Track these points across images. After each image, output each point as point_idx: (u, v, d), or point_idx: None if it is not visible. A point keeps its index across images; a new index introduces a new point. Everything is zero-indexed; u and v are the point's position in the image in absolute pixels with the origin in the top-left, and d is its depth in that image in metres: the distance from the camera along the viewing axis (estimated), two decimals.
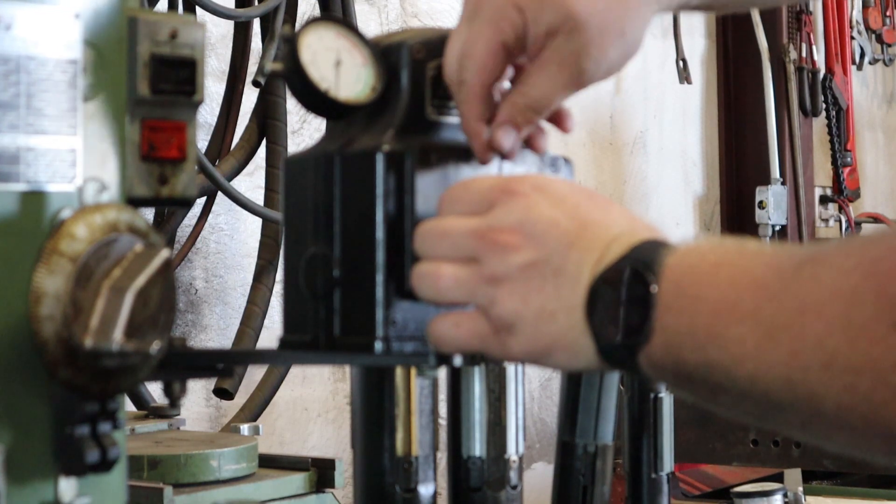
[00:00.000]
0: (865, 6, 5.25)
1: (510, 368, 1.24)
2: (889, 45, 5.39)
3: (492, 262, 1.10)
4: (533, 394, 4.00)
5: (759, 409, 1.03)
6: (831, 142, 5.09)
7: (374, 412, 1.22)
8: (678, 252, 1.06)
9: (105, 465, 1.09)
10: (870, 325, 0.93)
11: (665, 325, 1.04)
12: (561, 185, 1.14)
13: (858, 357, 0.94)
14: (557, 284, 1.08)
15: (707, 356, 1.02)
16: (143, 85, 1.12)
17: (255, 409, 2.90)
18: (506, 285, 1.09)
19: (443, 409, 1.25)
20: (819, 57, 4.99)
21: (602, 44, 1.20)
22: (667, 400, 1.48)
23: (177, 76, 1.14)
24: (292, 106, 2.98)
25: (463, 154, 1.20)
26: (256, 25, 3.02)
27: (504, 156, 1.21)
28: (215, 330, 3.11)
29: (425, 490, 1.22)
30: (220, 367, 1.25)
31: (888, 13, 5.31)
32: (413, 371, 1.20)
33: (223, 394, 2.87)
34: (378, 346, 1.15)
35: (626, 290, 1.05)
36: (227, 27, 3.05)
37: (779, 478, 2.64)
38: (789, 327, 0.98)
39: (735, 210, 4.85)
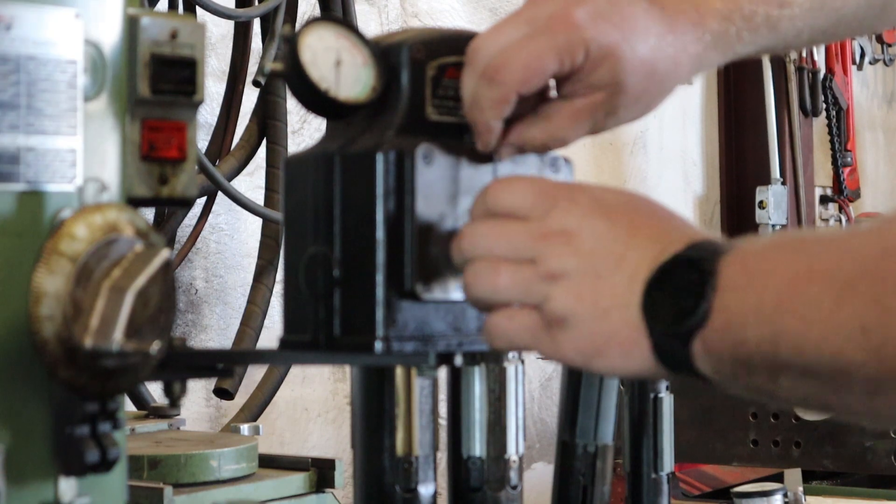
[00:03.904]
0: None
1: (510, 368, 1.24)
2: (889, 45, 5.40)
3: (550, 261, 1.10)
4: (533, 394, 3.99)
5: (822, 384, 1.02)
6: (831, 142, 5.09)
7: (374, 412, 1.22)
8: (739, 241, 1.07)
9: (105, 465, 1.09)
10: None
11: (726, 305, 1.04)
12: (618, 190, 1.15)
13: None
14: (613, 282, 1.09)
15: (774, 327, 1.01)
16: (143, 85, 1.12)
17: (255, 409, 2.90)
18: (562, 282, 1.10)
19: (443, 409, 1.25)
20: (819, 57, 4.99)
21: (629, 110, 1.24)
22: (667, 400, 1.48)
23: (177, 76, 1.14)
24: (292, 106, 2.98)
25: (463, 154, 1.20)
26: (256, 25, 3.02)
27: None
28: (215, 330, 3.11)
29: (425, 490, 1.22)
30: (220, 367, 1.25)
31: None
32: (413, 371, 1.20)
33: (223, 394, 2.87)
34: (378, 346, 1.15)
35: (683, 278, 1.06)
36: (227, 27, 3.05)
37: (779, 478, 2.64)
38: (869, 273, 0.98)
39: (735, 210, 4.85)
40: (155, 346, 1.06)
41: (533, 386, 3.99)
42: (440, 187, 1.18)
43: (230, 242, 3.17)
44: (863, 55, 5.29)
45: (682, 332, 1.06)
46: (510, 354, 1.24)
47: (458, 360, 1.19)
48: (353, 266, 1.16)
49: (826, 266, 1.01)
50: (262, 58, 2.90)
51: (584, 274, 1.09)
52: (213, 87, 3.03)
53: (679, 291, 1.06)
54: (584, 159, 4.22)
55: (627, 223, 1.11)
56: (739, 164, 4.87)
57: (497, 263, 1.12)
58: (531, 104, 1.22)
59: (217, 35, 3.11)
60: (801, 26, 1.30)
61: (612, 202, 1.13)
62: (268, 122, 2.96)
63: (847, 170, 5.15)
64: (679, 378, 1.10)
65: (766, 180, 4.71)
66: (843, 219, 5.14)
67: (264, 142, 2.97)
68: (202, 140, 2.97)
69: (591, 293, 1.09)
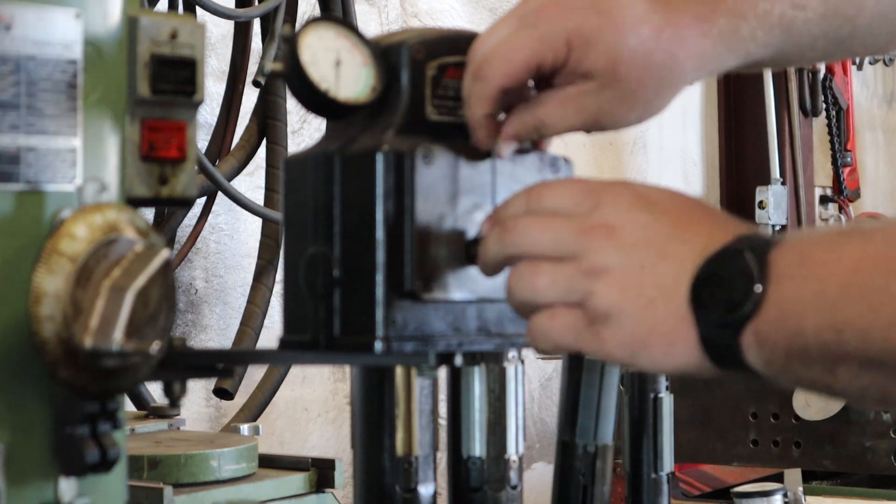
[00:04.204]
0: None
1: (510, 368, 1.24)
2: None
3: (592, 256, 1.09)
4: (533, 394, 4.00)
5: (885, 375, 1.00)
6: (831, 142, 5.09)
7: (374, 412, 1.22)
8: (789, 234, 1.06)
9: (105, 465, 1.09)
10: None
11: (782, 296, 1.03)
12: (661, 188, 1.14)
13: None
14: (658, 273, 1.07)
15: (837, 315, 1.00)
16: (143, 85, 1.12)
17: (255, 409, 2.90)
18: (604, 277, 1.08)
19: (443, 409, 1.25)
20: None
21: (629, 106, 1.22)
22: (667, 400, 1.48)
23: (177, 76, 1.14)
24: (292, 106, 2.98)
25: (463, 154, 1.20)
26: (256, 25, 3.02)
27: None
28: (215, 330, 3.11)
29: (425, 490, 1.22)
30: (220, 367, 1.25)
31: None
32: (413, 371, 1.20)
33: (223, 394, 2.87)
34: (378, 345, 1.15)
35: (734, 268, 1.04)
36: (227, 27, 3.05)
37: (779, 478, 2.64)
38: None
39: (735, 210, 4.82)
40: (155, 346, 1.06)
41: (533, 386, 3.99)
42: (440, 187, 1.18)
43: (230, 242, 3.17)
44: None
45: (733, 323, 1.04)
46: (510, 354, 1.24)
47: (458, 360, 1.19)
48: (353, 266, 1.16)
49: (891, 254, 1.00)
50: (262, 58, 2.90)
51: (628, 267, 1.08)
52: (213, 87, 3.03)
53: (730, 281, 1.04)
54: (584, 159, 4.22)
55: (672, 217, 1.10)
56: (739, 164, 4.87)
57: (537, 263, 1.11)
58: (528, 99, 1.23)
59: (217, 35, 3.11)
60: (817, 33, 1.29)
61: (656, 198, 1.12)
62: (268, 122, 2.96)
63: (847, 170, 5.15)
64: (727, 372, 1.07)
65: (765, 180, 4.71)
66: (843, 219, 5.14)
67: (264, 142, 2.97)
68: (202, 140, 2.97)
69: (635, 285, 1.07)
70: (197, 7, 2.73)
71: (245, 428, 2.29)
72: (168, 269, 1.07)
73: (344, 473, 2.13)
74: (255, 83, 2.87)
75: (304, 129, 3.29)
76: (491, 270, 1.16)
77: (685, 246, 1.08)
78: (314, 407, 3.35)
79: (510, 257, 1.13)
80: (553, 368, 4.00)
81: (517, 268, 1.12)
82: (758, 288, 1.03)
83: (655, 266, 1.07)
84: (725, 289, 1.04)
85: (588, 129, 1.23)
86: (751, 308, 1.03)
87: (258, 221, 3.03)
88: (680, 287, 1.06)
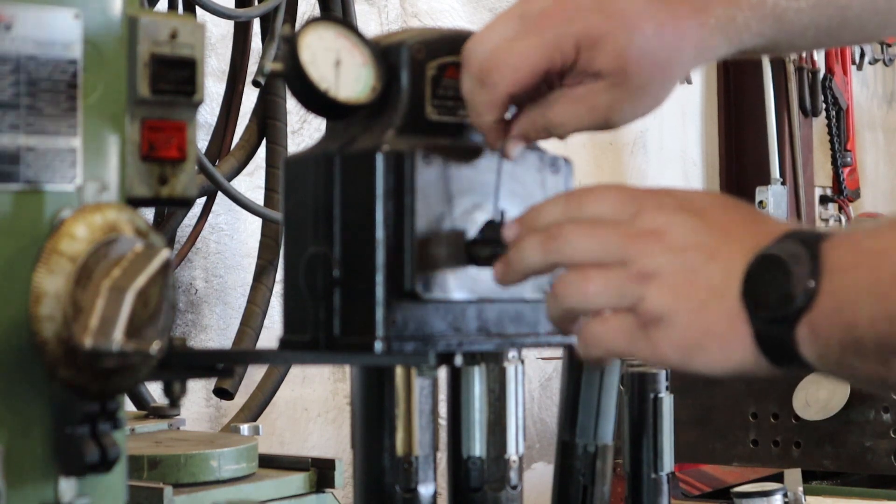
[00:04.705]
0: None
1: (510, 368, 1.24)
2: (889, 46, 5.40)
3: (641, 260, 1.09)
4: (533, 394, 3.99)
5: None
6: (831, 142, 5.09)
7: (374, 412, 1.22)
8: (839, 228, 1.06)
9: (105, 465, 1.09)
10: None
11: (836, 287, 1.02)
12: (705, 192, 1.15)
13: None
14: (709, 273, 1.07)
15: (890, 306, 1.00)
16: (143, 85, 1.12)
17: (255, 409, 2.90)
18: (656, 280, 1.08)
19: (443, 409, 1.25)
20: (819, 57, 4.99)
21: (637, 102, 1.23)
22: (667, 400, 1.48)
23: (177, 76, 1.14)
24: (292, 106, 2.98)
25: (463, 154, 1.21)
26: (256, 25, 3.02)
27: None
28: (215, 330, 3.11)
29: (425, 490, 1.22)
30: (220, 367, 1.25)
31: None
32: (413, 371, 1.20)
33: (223, 394, 2.87)
34: (378, 345, 1.15)
35: (786, 262, 1.04)
36: (227, 27, 3.05)
37: (779, 478, 2.64)
38: None
39: None
40: (155, 346, 1.06)
41: (533, 386, 3.99)
42: (440, 187, 1.18)
43: (230, 242, 3.17)
44: (862, 55, 5.29)
45: (787, 317, 1.04)
46: (510, 354, 1.24)
47: (458, 360, 1.19)
48: (353, 266, 1.16)
49: None
50: (262, 58, 2.90)
51: (678, 270, 1.08)
52: (213, 87, 3.03)
53: (782, 275, 1.04)
54: (584, 159, 4.22)
55: (717, 219, 1.10)
56: (739, 164, 4.87)
57: (586, 270, 1.10)
58: (539, 98, 1.23)
59: (217, 35, 3.11)
60: (808, 22, 1.30)
61: (699, 201, 1.12)
62: (268, 122, 2.96)
63: (847, 170, 5.15)
64: (782, 369, 1.07)
65: (765, 180, 4.71)
66: (843, 219, 5.14)
67: (264, 142, 2.97)
68: (202, 140, 2.97)
69: (687, 287, 1.07)
70: (197, 7, 2.73)
71: (245, 428, 2.29)
72: (168, 269, 1.07)
73: (344, 473, 2.13)
74: (255, 83, 2.87)
75: (304, 129, 3.29)
76: (522, 277, 1.15)
77: (734, 246, 1.08)
78: (314, 407, 3.35)
79: (553, 265, 1.13)
80: (553, 368, 4.00)
81: (565, 275, 1.12)
82: (811, 280, 1.03)
83: (706, 267, 1.07)
84: (778, 284, 1.04)
85: (598, 127, 1.24)
86: (804, 301, 1.03)
87: (258, 221, 3.03)
88: (731, 286, 1.06)
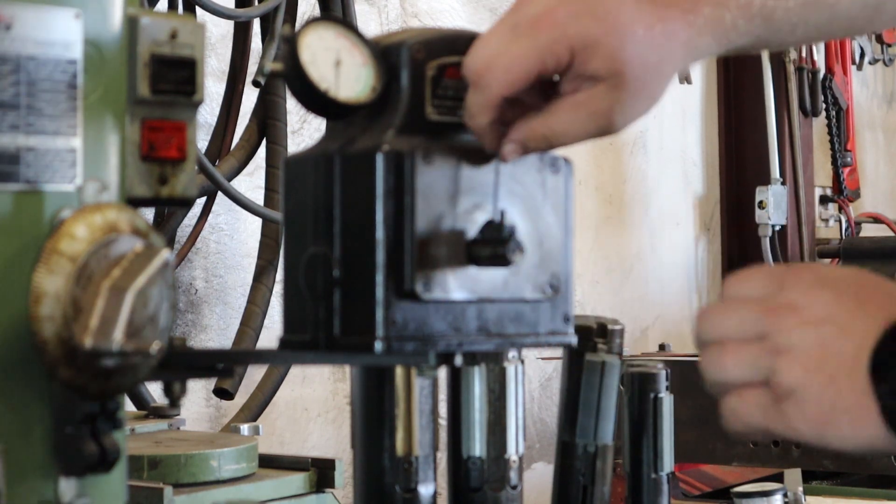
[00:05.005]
0: None
1: (510, 368, 1.24)
2: (889, 45, 5.39)
3: (777, 335, 1.10)
4: (533, 394, 4.00)
5: None
6: (831, 142, 5.08)
7: (374, 412, 1.22)
8: None
9: (105, 465, 1.09)
10: None
11: None
12: (842, 268, 1.16)
13: None
14: (840, 349, 1.08)
15: None
16: (143, 85, 1.12)
17: (255, 409, 2.90)
18: (788, 354, 1.09)
19: (443, 409, 1.25)
20: (819, 57, 4.99)
21: (636, 102, 1.24)
22: (667, 400, 1.48)
23: (177, 76, 1.14)
24: (292, 106, 2.98)
25: (463, 154, 1.21)
26: (256, 25, 3.02)
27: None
28: (215, 330, 3.11)
29: (425, 490, 1.22)
30: (220, 367, 1.25)
31: None
32: (413, 371, 1.20)
33: (223, 394, 2.87)
34: (378, 346, 1.15)
35: None
36: (227, 27, 3.05)
37: (779, 478, 2.64)
38: None
39: (735, 210, 4.85)
40: (155, 346, 1.06)
41: (533, 386, 3.99)
42: (440, 187, 1.18)
43: (230, 242, 3.17)
44: (862, 55, 5.29)
45: None
46: (510, 354, 1.24)
47: (458, 360, 1.19)
48: (353, 266, 1.16)
49: None
50: (262, 58, 2.90)
51: (810, 344, 1.09)
52: (213, 87, 3.03)
53: None
54: (584, 159, 4.23)
55: (854, 294, 1.11)
56: (739, 164, 4.87)
57: (724, 345, 1.12)
58: (537, 105, 1.23)
59: (217, 35, 3.11)
60: (796, 20, 1.31)
61: (836, 276, 1.13)
62: (268, 122, 2.96)
63: (847, 170, 5.15)
64: None
65: (765, 180, 4.71)
66: (843, 219, 5.14)
67: (264, 142, 2.97)
68: (202, 140, 2.97)
69: (817, 362, 1.08)
70: (197, 7, 2.73)
71: (245, 428, 2.29)
72: (168, 269, 1.07)
73: (344, 473, 2.13)
74: (255, 83, 2.88)
75: (304, 129, 3.29)
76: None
77: (866, 321, 1.08)
78: (314, 407, 3.35)
79: (705, 344, 1.15)
80: (553, 368, 4.00)
81: (706, 351, 1.14)
82: None
83: (837, 342, 1.08)
84: None
85: (600, 132, 1.24)
86: None
87: (258, 221, 3.03)
88: (861, 362, 1.07)
